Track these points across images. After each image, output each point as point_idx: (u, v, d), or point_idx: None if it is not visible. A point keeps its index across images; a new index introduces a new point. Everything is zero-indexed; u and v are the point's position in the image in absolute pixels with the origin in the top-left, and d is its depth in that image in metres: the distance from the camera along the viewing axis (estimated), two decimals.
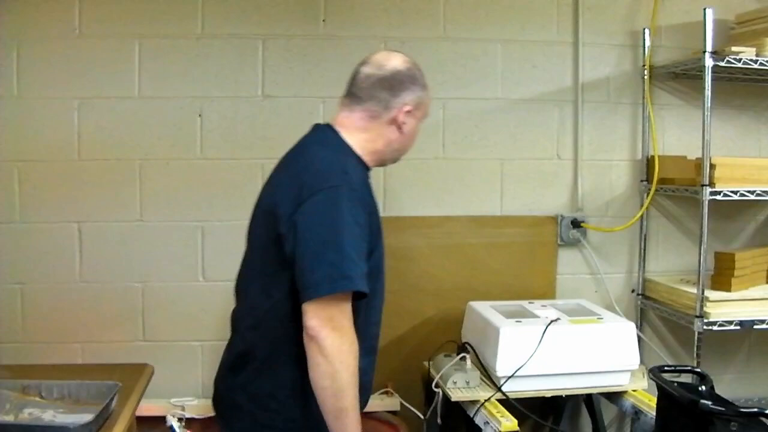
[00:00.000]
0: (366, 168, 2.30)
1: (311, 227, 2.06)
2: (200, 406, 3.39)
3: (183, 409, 3.39)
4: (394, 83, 2.26)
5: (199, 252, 3.54)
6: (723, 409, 2.26)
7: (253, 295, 2.27)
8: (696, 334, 3.28)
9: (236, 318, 2.39)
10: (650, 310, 3.78)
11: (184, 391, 3.49)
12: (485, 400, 2.97)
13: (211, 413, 3.04)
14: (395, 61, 2.30)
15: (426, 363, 3.35)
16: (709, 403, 2.27)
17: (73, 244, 3.48)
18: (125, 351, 3.48)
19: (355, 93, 2.30)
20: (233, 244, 3.37)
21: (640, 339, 3.62)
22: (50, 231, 3.46)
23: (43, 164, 3.44)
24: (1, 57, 3.38)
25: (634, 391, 3.13)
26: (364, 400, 2.26)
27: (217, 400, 2.37)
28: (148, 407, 3.27)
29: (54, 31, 3.42)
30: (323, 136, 2.31)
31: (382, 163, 2.39)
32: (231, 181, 3.50)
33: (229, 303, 3.41)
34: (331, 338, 2.00)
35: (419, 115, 2.34)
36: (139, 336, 3.53)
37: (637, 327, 3.67)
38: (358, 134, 2.28)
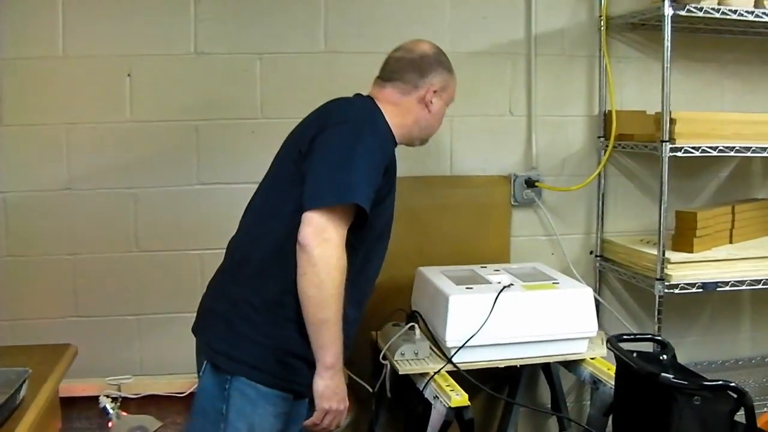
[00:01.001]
0: (393, 140, 2.43)
1: (329, 147, 2.21)
2: (137, 384, 3.25)
3: (119, 389, 3.22)
4: (422, 65, 2.46)
5: (131, 220, 3.35)
6: (685, 383, 2.12)
7: (263, 210, 2.38)
8: (657, 297, 3.15)
9: (235, 239, 2.47)
10: (609, 272, 3.65)
11: (121, 368, 3.31)
12: (434, 373, 2.82)
13: (149, 391, 2.94)
14: (424, 46, 2.51)
15: (373, 333, 3.22)
16: (671, 376, 2.13)
17: None
18: (58, 328, 3.31)
19: (385, 75, 2.51)
20: (168, 211, 3.32)
21: (599, 303, 3.51)
22: None
23: None
24: None
25: (592, 359, 2.99)
26: (347, 350, 2.32)
27: (198, 317, 2.45)
28: (83, 387, 3.16)
29: None
30: (359, 97, 2.49)
31: (409, 141, 2.54)
32: (164, 145, 3.31)
33: (166, 274, 3.34)
34: (321, 248, 2.09)
35: (445, 97, 2.53)
36: (72, 312, 3.35)
37: (595, 291, 3.60)
38: (389, 107, 2.43)
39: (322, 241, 2.09)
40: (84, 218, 3.32)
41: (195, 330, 2.43)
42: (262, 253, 2.28)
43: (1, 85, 3.23)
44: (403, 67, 2.47)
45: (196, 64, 3.32)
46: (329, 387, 2.21)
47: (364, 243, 2.30)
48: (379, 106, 2.42)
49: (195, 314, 2.46)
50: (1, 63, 3.21)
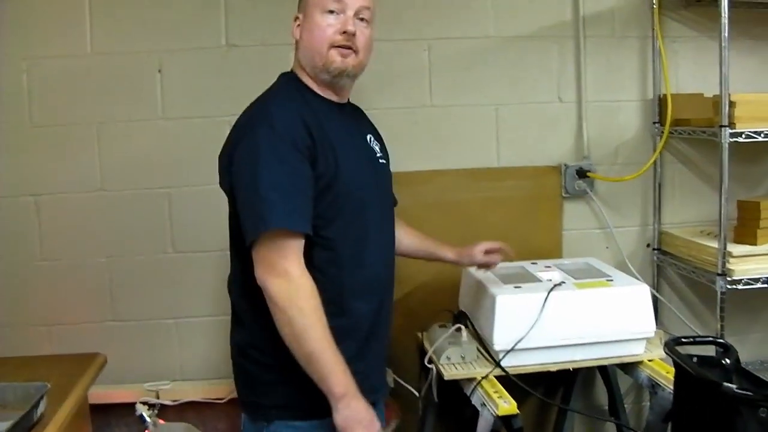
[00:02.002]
0: (314, 94, 2.30)
1: (237, 179, 2.12)
2: (175, 390, 3.20)
3: (157, 395, 3.17)
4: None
5: (167, 221, 3.27)
6: (749, 393, 1.95)
7: (233, 249, 2.29)
8: (718, 294, 2.96)
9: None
10: (668, 266, 3.46)
11: (160, 374, 3.27)
12: (481, 378, 2.68)
13: (187, 398, 2.89)
14: None
15: (419, 334, 3.11)
16: (734, 386, 1.96)
17: (31, 220, 3.22)
18: (94, 332, 3.26)
19: None
20: (204, 211, 3.22)
21: (657, 300, 3.34)
22: (5, 207, 3.21)
23: None
24: None
25: (650, 361, 2.82)
26: (374, 347, 2.30)
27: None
28: (119, 393, 3.13)
29: None
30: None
31: (319, 69, 2.26)
32: (197, 142, 3.22)
33: (204, 275, 3.26)
34: (276, 285, 2.02)
35: (309, 12, 2.27)
36: (108, 316, 3.29)
37: (653, 286, 3.43)
38: (298, 54, 2.35)
39: (275, 277, 2.02)
40: (118, 220, 3.26)
41: None
42: (240, 294, 2.25)
43: (30, 85, 3.18)
44: None
45: (228, 57, 3.23)
46: (349, 417, 2.06)
47: (340, 234, 2.19)
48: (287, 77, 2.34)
49: None
50: (29, 62, 3.17)
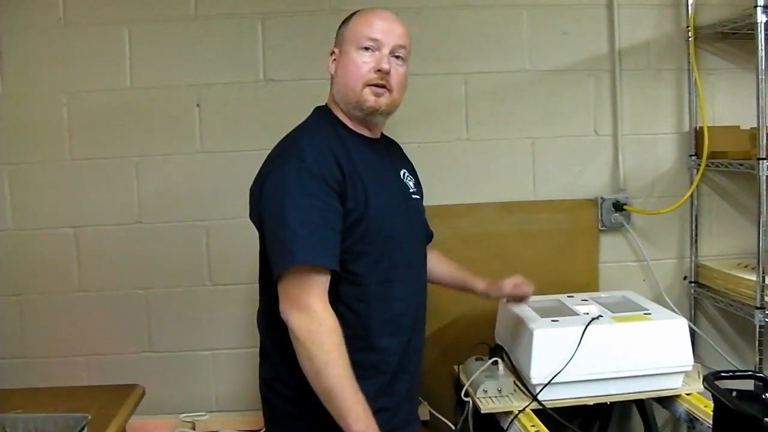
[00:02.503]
0: (347, 129, 2.29)
1: (265, 212, 2.12)
2: (212, 421, 3.23)
3: (193, 426, 3.20)
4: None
5: (204, 254, 3.30)
6: None
7: (261, 283, 2.29)
8: (757, 327, 2.93)
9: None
10: (705, 299, 3.43)
11: (195, 405, 3.29)
12: (519, 412, 2.66)
13: (224, 429, 2.90)
14: None
15: (456, 367, 3.09)
16: None
17: (70, 251, 3.27)
18: (132, 363, 3.30)
19: None
20: (241, 244, 3.24)
21: (694, 333, 3.31)
22: (45, 238, 3.26)
23: (33, 166, 3.25)
24: None
25: (688, 395, 2.79)
26: (403, 382, 2.28)
27: None
28: (156, 424, 3.16)
29: (37, 21, 3.20)
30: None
31: (357, 107, 2.25)
32: (235, 175, 3.21)
33: (238, 307, 3.27)
34: (298, 320, 2.00)
35: (345, 49, 2.28)
36: (145, 347, 3.32)
37: (691, 319, 3.40)
38: (332, 89, 2.34)
39: (297, 312, 2.00)
40: (156, 252, 3.29)
41: None
42: (267, 327, 2.25)
43: (70, 119, 3.24)
44: None
45: (265, 91, 3.27)
46: None
47: (369, 269, 2.17)
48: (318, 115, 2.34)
49: None
50: (69, 96, 3.23)
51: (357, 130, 2.29)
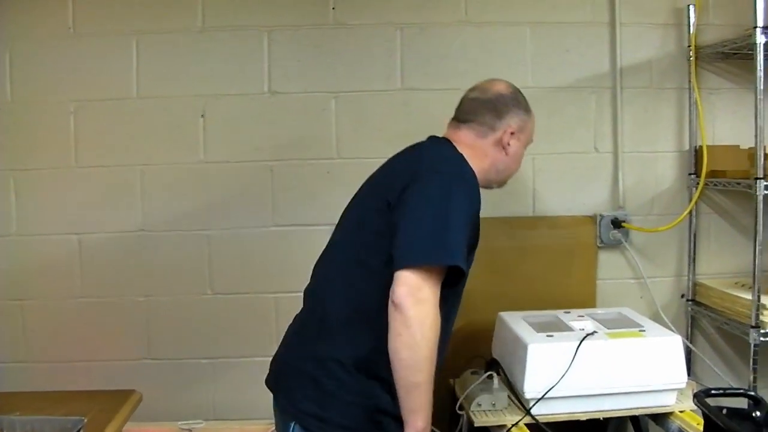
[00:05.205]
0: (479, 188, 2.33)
1: (422, 201, 2.11)
2: (209, 429, 3.20)
3: None
4: (499, 106, 2.39)
5: (205, 262, 3.33)
6: None
7: (347, 261, 2.28)
8: (752, 346, 2.95)
9: (315, 291, 2.37)
10: (702, 317, 3.44)
11: (194, 413, 3.29)
12: (512, 426, 2.68)
13: None
14: (500, 86, 2.44)
15: (451, 381, 3.11)
16: None
17: (73, 258, 3.31)
18: (131, 370, 3.33)
19: (460, 116, 2.44)
20: (243, 254, 3.28)
21: (690, 351, 3.33)
22: (49, 244, 3.30)
23: (39, 172, 3.29)
24: None
25: (681, 412, 2.80)
26: None
27: (279, 373, 2.35)
28: (153, 431, 3.14)
29: (46, 31, 3.26)
30: (440, 141, 2.41)
31: (486, 184, 2.42)
32: (237, 186, 3.29)
33: (240, 317, 3.30)
34: (415, 309, 1.99)
35: (523, 138, 2.44)
36: (145, 354, 3.35)
37: (687, 337, 3.41)
38: (466, 149, 2.34)
39: (417, 302, 1.99)
40: (157, 260, 3.32)
41: (275, 387, 2.34)
42: (348, 308, 2.20)
43: (77, 126, 3.27)
44: (479, 108, 2.40)
45: (270, 103, 3.30)
46: None
47: (451, 296, 2.20)
48: (458, 148, 2.34)
49: (270, 360, 2.37)
50: (76, 104, 3.27)
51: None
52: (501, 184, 2.51)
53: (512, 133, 2.38)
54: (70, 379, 3.23)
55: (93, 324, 3.31)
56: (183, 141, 3.29)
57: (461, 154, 2.30)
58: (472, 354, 3.13)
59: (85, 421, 2.23)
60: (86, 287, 3.30)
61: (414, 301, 1.98)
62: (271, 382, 2.35)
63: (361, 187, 2.44)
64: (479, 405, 2.80)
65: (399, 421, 2.12)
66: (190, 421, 3.22)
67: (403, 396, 2.04)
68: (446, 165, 2.24)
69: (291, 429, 2.21)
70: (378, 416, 2.15)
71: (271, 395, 2.34)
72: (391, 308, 2.01)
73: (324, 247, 2.39)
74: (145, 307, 3.32)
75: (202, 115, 3.28)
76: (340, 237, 2.38)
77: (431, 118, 3.23)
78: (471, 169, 2.27)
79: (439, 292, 2.05)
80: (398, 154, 2.43)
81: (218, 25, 3.27)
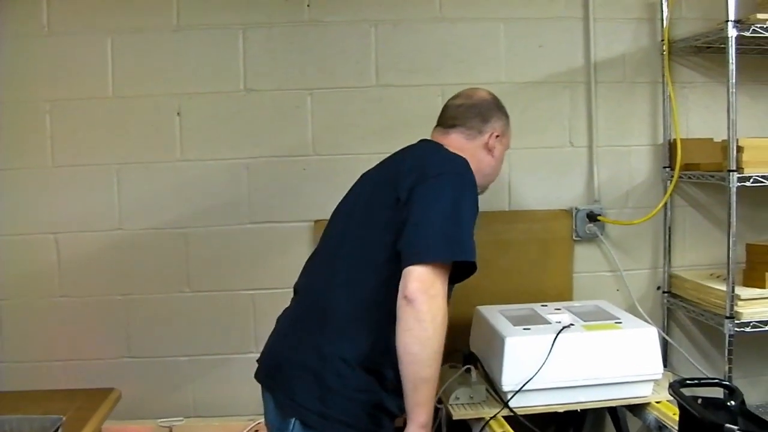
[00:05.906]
0: None
1: (433, 199, 2.15)
2: (189, 427, 3.22)
3: (170, 431, 3.20)
4: (484, 111, 2.53)
5: (183, 260, 3.32)
6: None
7: (350, 256, 2.30)
8: (726, 336, 2.97)
9: (313, 285, 2.39)
10: (678, 309, 3.47)
11: (173, 410, 3.30)
12: (490, 419, 2.69)
13: None
14: (481, 93, 2.60)
15: None
16: (735, 428, 1.98)
17: (51, 257, 3.29)
18: (110, 368, 3.31)
19: (447, 122, 2.54)
20: (220, 251, 3.27)
21: (666, 342, 3.36)
22: (26, 243, 3.28)
23: (15, 172, 3.26)
24: None
25: (657, 402, 2.83)
26: None
27: (273, 368, 2.33)
28: (134, 428, 3.16)
29: (21, 29, 3.23)
30: (437, 144, 2.48)
31: (481, 190, 2.50)
32: (215, 184, 3.29)
33: (218, 314, 3.31)
34: (428, 304, 2.02)
35: (505, 141, 2.59)
36: (124, 352, 3.34)
37: (663, 329, 3.44)
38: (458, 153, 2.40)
39: (429, 297, 2.02)
40: (135, 258, 3.31)
41: (269, 382, 2.33)
42: (352, 303, 2.22)
43: (52, 126, 3.26)
44: (465, 112, 2.51)
45: (245, 101, 3.29)
46: None
47: (450, 292, 2.24)
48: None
49: (250, 356, 2.37)
50: (51, 104, 3.25)
51: None
52: (483, 188, 2.57)
53: (497, 137, 2.51)
54: (49, 379, 3.23)
55: (71, 323, 3.29)
56: (159, 139, 3.28)
57: (465, 158, 2.34)
58: (450, 348, 3.12)
59: (64, 419, 2.22)
60: (64, 286, 3.28)
61: (427, 296, 2.01)
62: (264, 377, 2.34)
63: (355, 184, 2.50)
64: (457, 398, 2.81)
65: (392, 416, 2.21)
66: (170, 419, 3.23)
67: (409, 391, 2.08)
68: (455, 166, 2.28)
69: (291, 425, 2.20)
70: (376, 412, 2.18)
71: (258, 391, 2.34)
72: (402, 303, 2.04)
73: (316, 244, 2.43)
74: (123, 306, 3.30)
75: (178, 114, 3.27)
76: (339, 232, 2.40)
77: (406, 114, 3.29)
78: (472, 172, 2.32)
79: (446, 288, 2.10)
80: (397, 154, 2.50)
81: (193, 24, 3.26)
